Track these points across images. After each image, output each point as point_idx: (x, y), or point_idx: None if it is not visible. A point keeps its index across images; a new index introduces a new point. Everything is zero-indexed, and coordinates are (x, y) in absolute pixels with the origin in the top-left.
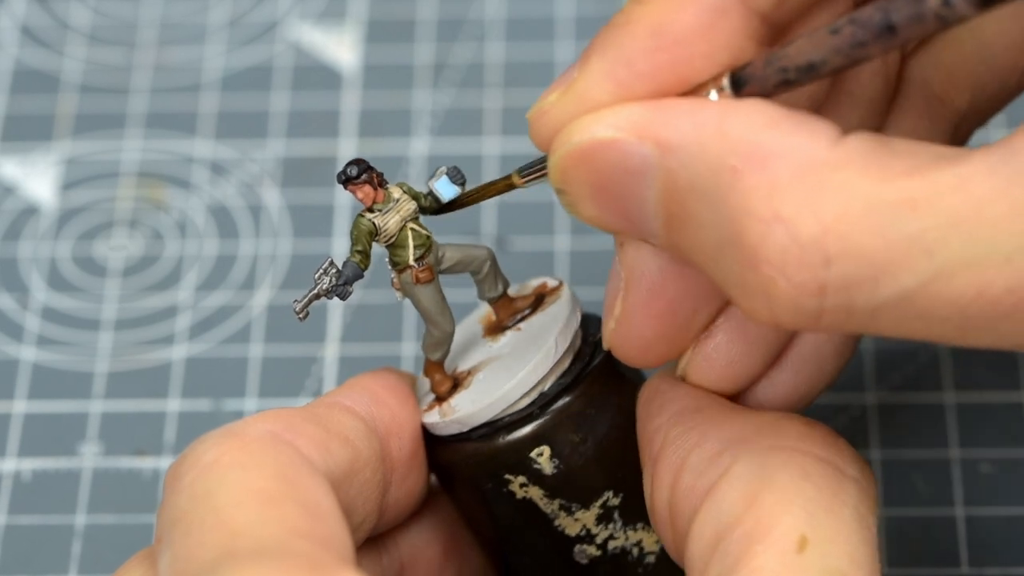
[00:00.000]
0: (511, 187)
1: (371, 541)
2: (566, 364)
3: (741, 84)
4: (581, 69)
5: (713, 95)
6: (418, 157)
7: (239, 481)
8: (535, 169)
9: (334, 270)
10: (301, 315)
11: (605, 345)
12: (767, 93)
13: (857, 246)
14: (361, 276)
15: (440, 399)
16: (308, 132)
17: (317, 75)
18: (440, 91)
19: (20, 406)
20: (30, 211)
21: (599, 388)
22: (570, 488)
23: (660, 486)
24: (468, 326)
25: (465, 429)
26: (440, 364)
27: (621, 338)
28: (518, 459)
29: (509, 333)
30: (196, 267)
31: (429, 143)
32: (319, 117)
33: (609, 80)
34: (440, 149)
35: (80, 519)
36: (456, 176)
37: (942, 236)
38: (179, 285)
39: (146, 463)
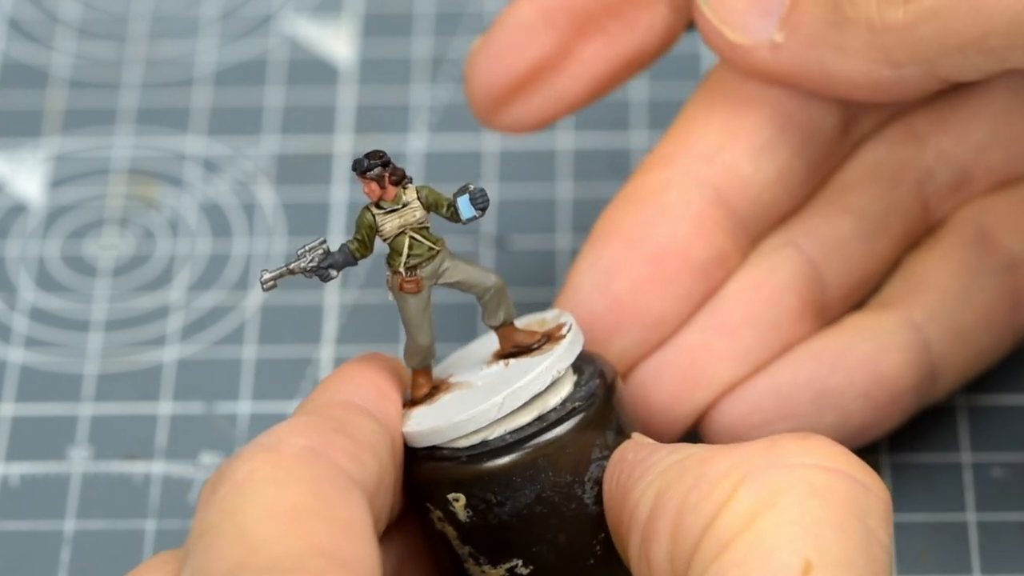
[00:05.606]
0: None
1: None
2: (523, 420)
3: None
4: None
5: None
6: (416, 153)
7: (268, 497)
8: None
9: (321, 251)
10: (266, 286)
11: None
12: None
13: None
14: (354, 263)
15: (410, 403)
16: (303, 128)
17: (312, 70)
18: (438, 86)
19: (7, 409)
20: (18, 209)
21: (536, 460)
22: (480, 542)
23: (658, 540)
24: (492, 336)
25: (410, 444)
26: (422, 371)
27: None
28: (437, 495)
29: (500, 364)
30: (188, 266)
31: (427, 139)
32: (314, 113)
33: None
34: (438, 145)
35: (69, 525)
36: (479, 199)
37: None
38: (171, 285)
39: (137, 467)
